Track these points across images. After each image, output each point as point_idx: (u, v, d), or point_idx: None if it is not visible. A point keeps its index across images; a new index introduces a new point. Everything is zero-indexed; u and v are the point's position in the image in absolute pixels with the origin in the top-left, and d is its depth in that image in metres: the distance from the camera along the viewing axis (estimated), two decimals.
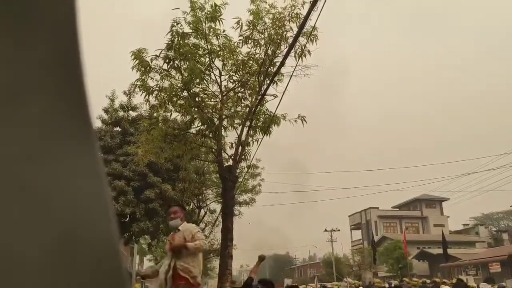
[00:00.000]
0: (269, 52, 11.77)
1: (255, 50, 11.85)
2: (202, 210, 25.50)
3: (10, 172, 0.39)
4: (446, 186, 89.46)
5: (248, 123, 11.97)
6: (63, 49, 0.44)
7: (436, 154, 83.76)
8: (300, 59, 11.20)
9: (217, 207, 23.80)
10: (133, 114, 19.42)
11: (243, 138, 11.94)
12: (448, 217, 60.80)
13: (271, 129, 12.21)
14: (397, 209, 63.66)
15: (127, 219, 18.18)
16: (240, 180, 18.38)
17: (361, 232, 61.68)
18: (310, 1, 9.07)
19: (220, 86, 12.14)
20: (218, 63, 11.87)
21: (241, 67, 11.94)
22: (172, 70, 11.60)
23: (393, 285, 25.59)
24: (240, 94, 12.37)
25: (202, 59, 11.70)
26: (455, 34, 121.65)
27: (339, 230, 54.77)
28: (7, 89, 0.41)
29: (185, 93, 11.73)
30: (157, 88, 11.57)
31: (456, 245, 45.92)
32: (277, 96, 11.75)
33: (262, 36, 11.66)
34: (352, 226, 64.29)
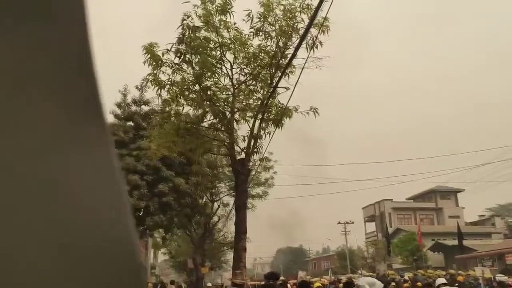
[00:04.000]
0: (281, 44, 11.69)
1: (266, 42, 11.80)
2: (216, 203, 25.61)
3: (25, 167, 0.39)
4: (461, 177, 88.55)
5: (260, 116, 11.94)
6: (74, 43, 0.44)
7: (451, 144, 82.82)
8: (312, 50, 11.12)
9: (230, 200, 23.88)
10: (145, 108, 19.52)
11: (255, 131, 11.92)
12: (464, 208, 60.15)
13: (283, 121, 12.17)
14: (412, 200, 63.17)
15: (141, 213, 18.32)
16: (253, 173, 18.39)
17: (375, 224, 61.36)
18: None
19: (231, 79, 12.11)
20: (229, 56, 11.87)
21: (252, 59, 11.89)
22: (184, 64, 11.60)
23: (406, 277, 25.45)
24: (251, 87, 12.33)
25: (213, 52, 11.67)
26: (481, 22, 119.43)
27: (352, 223, 54.62)
28: (19, 83, 0.41)
29: (196, 87, 11.74)
30: (169, 82, 11.59)
31: (472, 237, 45.39)
32: (289, 89, 11.71)
33: (273, 28, 11.58)
34: (366, 218, 63.98)
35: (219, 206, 25.95)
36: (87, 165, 0.42)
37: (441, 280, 15.57)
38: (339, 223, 53.56)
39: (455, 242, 35.34)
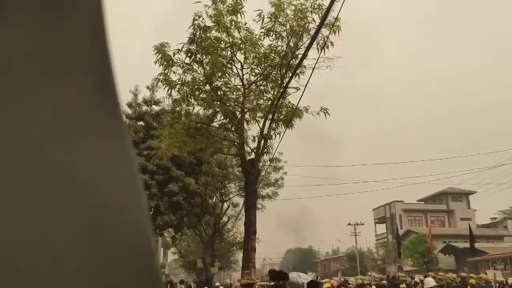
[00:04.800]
0: (291, 44, 11.66)
1: (277, 42, 11.77)
2: (225, 203, 25.64)
3: (40, 154, 0.39)
4: (473, 179, 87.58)
5: (270, 116, 11.92)
6: (91, 31, 0.45)
7: (463, 146, 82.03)
8: (323, 51, 11.07)
9: (240, 200, 23.90)
10: (156, 108, 19.61)
11: (265, 131, 11.90)
12: (475, 210, 59.57)
13: (293, 122, 12.14)
14: (422, 202, 62.72)
15: (151, 212, 18.39)
16: (263, 173, 18.37)
17: (385, 225, 61.02)
18: None
19: (242, 80, 12.11)
20: (240, 56, 11.85)
21: (263, 60, 11.87)
22: (194, 64, 11.63)
23: (416, 279, 25.25)
24: (262, 87, 12.31)
25: (224, 52, 11.68)
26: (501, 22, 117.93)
27: (363, 224, 54.29)
28: (37, 69, 0.41)
29: (207, 87, 11.75)
30: (180, 82, 11.62)
31: (484, 239, 44.95)
32: (299, 89, 11.67)
33: (284, 28, 11.55)
34: (376, 220, 63.64)
35: (228, 206, 25.99)
36: (103, 153, 0.43)
37: (430, 282, 15.11)
38: (349, 224, 53.29)
39: (467, 245, 35.00)
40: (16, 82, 0.40)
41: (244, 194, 14.77)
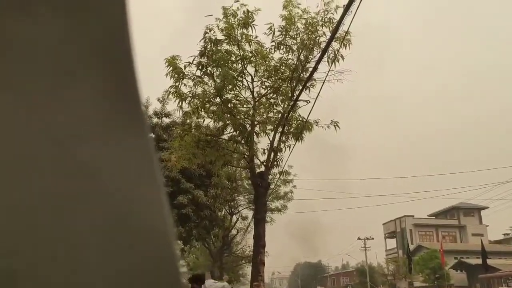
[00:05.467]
0: (302, 57, 11.70)
1: (288, 55, 11.82)
2: (234, 216, 25.56)
3: (64, 153, 0.40)
4: (485, 194, 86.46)
5: (280, 129, 11.91)
6: (114, 34, 0.45)
7: (475, 159, 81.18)
8: (333, 64, 11.09)
9: (249, 213, 23.82)
10: (166, 120, 19.70)
11: (275, 144, 11.89)
12: (488, 226, 58.78)
13: (303, 135, 12.12)
14: (433, 217, 62.04)
15: None
16: (272, 186, 18.31)
17: (395, 240, 60.37)
18: (344, 6, 8.96)
19: (252, 92, 12.14)
20: (250, 69, 11.91)
21: (273, 73, 11.91)
22: (205, 76, 11.69)
23: None
24: (272, 100, 12.34)
25: (235, 65, 11.74)
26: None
27: (373, 239, 53.76)
28: (62, 69, 0.42)
29: (217, 100, 11.80)
30: (190, 95, 11.68)
31: (496, 255, 44.23)
32: (309, 102, 11.68)
33: (295, 41, 11.61)
34: (386, 235, 62.99)
35: (237, 219, 25.91)
36: (125, 153, 0.43)
37: None
38: (358, 238, 52.79)
39: (479, 261, 34.50)
40: (42, 81, 0.41)
41: (253, 207, 14.72)
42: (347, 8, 8.23)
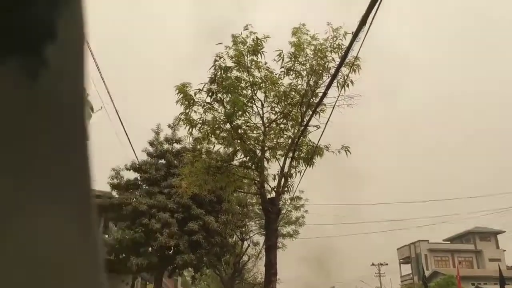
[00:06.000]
0: (311, 83, 11.75)
1: (297, 81, 11.88)
2: (245, 242, 25.32)
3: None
4: (501, 218, 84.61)
5: (290, 155, 11.88)
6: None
7: (489, 184, 79.87)
8: (343, 89, 11.10)
9: (261, 239, 23.60)
10: (177, 146, 19.79)
11: (285, 169, 11.84)
12: (505, 251, 57.41)
13: (314, 160, 12.05)
14: (448, 242, 60.87)
15: (171, 251, 18.25)
16: (284, 211, 18.17)
17: (410, 266, 59.17)
18: (352, 32, 9.02)
19: (262, 118, 12.17)
20: (260, 95, 11.98)
21: (283, 98, 11.96)
22: (215, 103, 11.77)
23: None
24: (282, 126, 12.34)
25: (245, 91, 11.82)
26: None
27: (387, 264, 52.80)
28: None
29: (227, 126, 11.84)
30: (201, 121, 11.75)
31: None
32: (319, 127, 11.65)
33: (304, 67, 11.68)
34: (401, 260, 61.82)
35: (249, 245, 25.67)
36: (67, 232, 0.41)
37: None
38: (372, 264, 51.85)
39: (497, 287, 33.54)
40: None
41: (264, 232, 14.57)
42: (355, 35, 8.29)
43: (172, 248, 17.87)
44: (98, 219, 0.45)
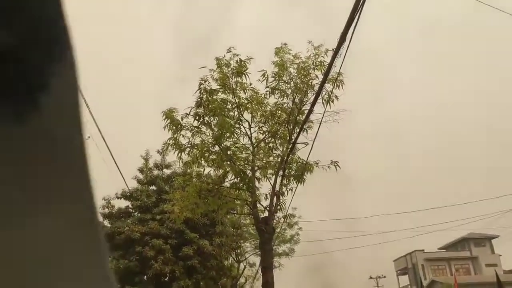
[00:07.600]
0: (297, 100, 11.87)
1: (283, 100, 12.01)
2: (241, 264, 25.06)
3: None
4: (494, 223, 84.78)
5: (281, 173, 11.90)
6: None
7: (480, 189, 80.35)
8: (328, 105, 11.24)
9: (257, 260, 23.40)
10: (167, 172, 19.73)
11: (277, 188, 11.85)
12: (500, 255, 57.47)
13: (304, 176, 12.09)
14: (444, 250, 60.81)
15: (167, 278, 18.02)
16: (278, 230, 18.09)
17: (408, 277, 58.90)
18: (333, 49, 9.19)
19: (250, 138, 12.22)
20: (247, 115, 12.05)
21: (270, 117, 12.05)
22: (203, 126, 11.80)
23: None
24: (271, 144, 12.40)
25: (231, 113, 11.89)
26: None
27: (384, 277, 52.56)
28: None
29: (216, 148, 11.86)
30: (189, 145, 11.75)
31: None
32: (308, 144, 11.73)
33: (288, 86, 11.82)
34: (398, 271, 61.53)
35: (245, 266, 25.39)
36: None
37: None
38: (370, 277, 51.56)
39: None
40: None
41: (259, 253, 14.47)
42: (336, 52, 8.44)
43: (167, 274, 17.64)
44: (101, 223, 0.47)
